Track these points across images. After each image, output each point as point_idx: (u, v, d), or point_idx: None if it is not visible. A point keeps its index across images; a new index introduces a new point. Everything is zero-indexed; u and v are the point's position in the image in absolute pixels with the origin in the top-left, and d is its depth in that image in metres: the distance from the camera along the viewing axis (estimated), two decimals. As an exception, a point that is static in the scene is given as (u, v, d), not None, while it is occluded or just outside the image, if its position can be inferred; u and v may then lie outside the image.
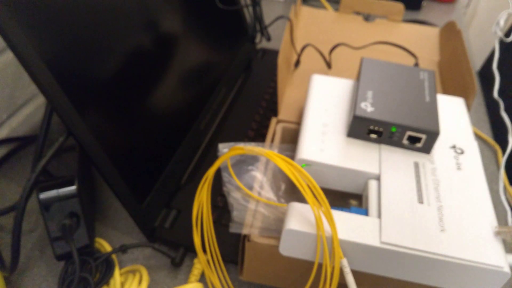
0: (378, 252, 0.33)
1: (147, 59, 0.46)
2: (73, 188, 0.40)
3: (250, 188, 0.43)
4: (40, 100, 0.60)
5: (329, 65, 0.61)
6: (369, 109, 0.41)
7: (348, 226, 0.34)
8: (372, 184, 0.38)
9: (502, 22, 0.51)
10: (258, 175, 0.43)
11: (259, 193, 0.42)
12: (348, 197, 0.43)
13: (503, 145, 0.57)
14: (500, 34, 0.51)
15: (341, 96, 0.47)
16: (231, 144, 0.47)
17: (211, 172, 0.46)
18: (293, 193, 0.42)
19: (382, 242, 0.33)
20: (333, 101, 0.46)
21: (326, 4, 0.92)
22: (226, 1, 0.65)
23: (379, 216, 0.35)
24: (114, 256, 0.44)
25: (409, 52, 0.63)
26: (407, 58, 0.65)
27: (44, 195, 0.39)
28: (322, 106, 0.46)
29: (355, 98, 0.42)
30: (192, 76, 0.55)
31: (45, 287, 0.43)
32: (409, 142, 0.40)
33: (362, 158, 0.40)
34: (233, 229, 0.42)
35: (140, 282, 0.43)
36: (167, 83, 0.50)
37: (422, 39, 0.70)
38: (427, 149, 0.40)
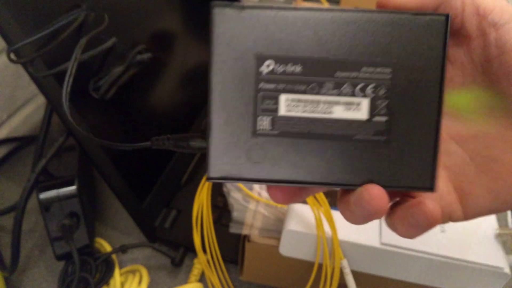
0: (378, 253, 0.33)
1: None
2: (73, 188, 0.40)
3: (250, 188, 0.43)
4: (40, 100, 0.59)
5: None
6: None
7: (348, 227, 0.34)
8: (372, 185, 0.38)
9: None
10: (258, 175, 0.43)
11: (259, 194, 0.42)
12: (348, 198, 0.43)
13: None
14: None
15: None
16: (231, 144, 0.47)
17: (211, 172, 0.46)
18: (293, 193, 0.42)
19: (382, 243, 0.33)
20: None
21: (325, 3, 0.92)
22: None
23: (379, 216, 0.35)
24: (114, 256, 0.44)
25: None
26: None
27: (44, 195, 0.39)
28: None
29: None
30: (192, 76, 0.55)
31: (45, 287, 0.43)
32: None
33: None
34: (233, 229, 0.42)
35: (140, 282, 0.43)
36: (167, 83, 0.50)
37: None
38: None
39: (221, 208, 0.49)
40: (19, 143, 0.57)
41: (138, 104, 0.45)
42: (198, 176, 0.53)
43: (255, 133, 0.21)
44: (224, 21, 0.20)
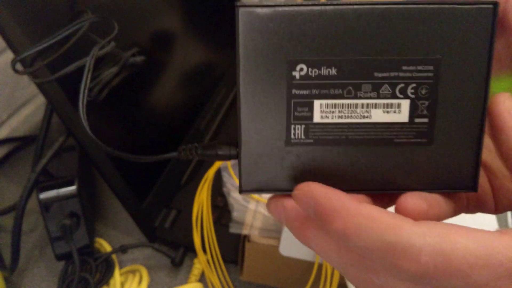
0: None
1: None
2: (73, 188, 0.40)
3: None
4: (40, 100, 0.59)
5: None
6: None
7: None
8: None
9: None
10: (258, 175, 0.43)
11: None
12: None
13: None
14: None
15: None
16: (231, 144, 0.47)
17: (211, 173, 0.46)
18: (293, 193, 0.42)
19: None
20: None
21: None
22: (226, 2, 0.65)
23: (379, 216, 0.35)
24: (114, 256, 0.44)
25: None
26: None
27: (44, 195, 0.39)
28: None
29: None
30: (192, 76, 0.55)
31: (45, 287, 0.43)
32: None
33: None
34: (233, 229, 0.42)
35: (140, 282, 0.43)
36: (167, 83, 0.50)
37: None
38: None
39: (221, 208, 0.49)
40: (19, 143, 0.57)
41: (137, 105, 0.45)
42: (198, 176, 0.53)
43: (288, 142, 0.20)
44: (250, 23, 0.18)
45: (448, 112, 0.19)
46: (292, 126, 0.19)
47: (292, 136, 0.20)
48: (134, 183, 0.43)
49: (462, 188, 0.20)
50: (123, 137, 0.43)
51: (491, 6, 0.18)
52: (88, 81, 0.32)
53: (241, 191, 0.20)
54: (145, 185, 0.46)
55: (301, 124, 0.19)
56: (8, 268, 0.41)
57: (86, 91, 0.32)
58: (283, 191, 0.20)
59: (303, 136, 0.20)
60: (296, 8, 0.18)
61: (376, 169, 0.20)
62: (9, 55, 0.52)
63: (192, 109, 0.55)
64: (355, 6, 0.18)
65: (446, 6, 0.18)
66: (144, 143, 0.46)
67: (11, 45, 0.31)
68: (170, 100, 0.51)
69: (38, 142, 0.42)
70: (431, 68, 0.19)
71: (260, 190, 0.20)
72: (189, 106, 0.55)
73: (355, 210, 0.17)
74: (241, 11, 0.18)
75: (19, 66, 0.32)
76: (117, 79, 0.37)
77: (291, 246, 0.35)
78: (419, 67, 0.19)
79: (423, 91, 0.19)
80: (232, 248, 0.44)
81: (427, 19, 0.18)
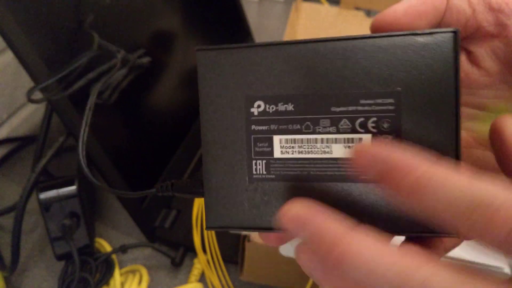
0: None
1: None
2: (73, 188, 0.40)
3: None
4: (40, 100, 0.59)
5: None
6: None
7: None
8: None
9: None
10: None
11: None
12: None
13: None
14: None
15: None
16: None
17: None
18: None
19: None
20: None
21: (325, 3, 0.92)
22: (226, 3, 0.65)
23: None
24: (114, 256, 0.44)
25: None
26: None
27: (44, 195, 0.39)
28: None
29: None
30: (191, 77, 0.55)
31: (45, 287, 0.43)
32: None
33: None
34: (233, 229, 0.41)
35: (140, 282, 0.43)
36: (167, 84, 0.50)
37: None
38: None
39: (221, 208, 0.49)
40: (19, 143, 0.57)
41: (143, 106, 0.45)
42: (198, 176, 0.53)
43: (251, 178, 0.20)
44: (209, 64, 0.20)
45: (417, 145, 0.18)
46: (254, 162, 0.20)
47: (254, 172, 0.20)
48: (134, 183, 0.43)
49: (443, 232, 0.18)
50: (124, 137, 0.43)
51: (450, 34, 0.17)
52: (86, 133, 0.33)
53: (206, 227, 0.21)
54: (145, 185, 0.46)
55: (262, 160, 0.20)
56: (8, 268, 0.41)
57: (85, 139, 0.32)
58: (248, 228, 0.20)
59: (264, 172, 0.20)
60: (250, 48, 0.19)
61: (342, 208, 0.18)
62: (9, 55, 0.52)
63: (192, 109, 0.55)
64: (308, 44, 0.19)
65: (403, 37, 0.18)
66: (144, 143, 0.46)
67: (12, 46, 0.31)
68: (170, 101, 0.51)
69: (38, 142, 0.42)
70: (391, 101, 0.18)
71: (226, 227, 0.20)
72: (189, 106, 0.55)
73: (357, 244, 0.14)
74: (199, 54, 0.20)
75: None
76: (126, 81, 0.38)
77: (291, 246, 0.35)
78: (378, 100, 0.18)
79: (385, 125, 0.18)
80: (232, 248, 0.44)
81: (383, 52, 0.18)
